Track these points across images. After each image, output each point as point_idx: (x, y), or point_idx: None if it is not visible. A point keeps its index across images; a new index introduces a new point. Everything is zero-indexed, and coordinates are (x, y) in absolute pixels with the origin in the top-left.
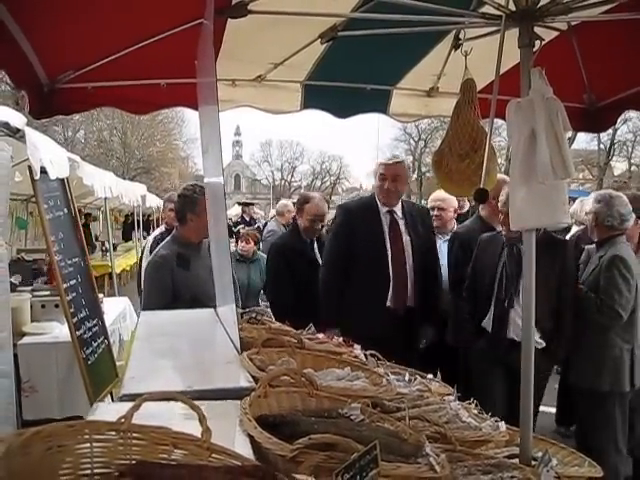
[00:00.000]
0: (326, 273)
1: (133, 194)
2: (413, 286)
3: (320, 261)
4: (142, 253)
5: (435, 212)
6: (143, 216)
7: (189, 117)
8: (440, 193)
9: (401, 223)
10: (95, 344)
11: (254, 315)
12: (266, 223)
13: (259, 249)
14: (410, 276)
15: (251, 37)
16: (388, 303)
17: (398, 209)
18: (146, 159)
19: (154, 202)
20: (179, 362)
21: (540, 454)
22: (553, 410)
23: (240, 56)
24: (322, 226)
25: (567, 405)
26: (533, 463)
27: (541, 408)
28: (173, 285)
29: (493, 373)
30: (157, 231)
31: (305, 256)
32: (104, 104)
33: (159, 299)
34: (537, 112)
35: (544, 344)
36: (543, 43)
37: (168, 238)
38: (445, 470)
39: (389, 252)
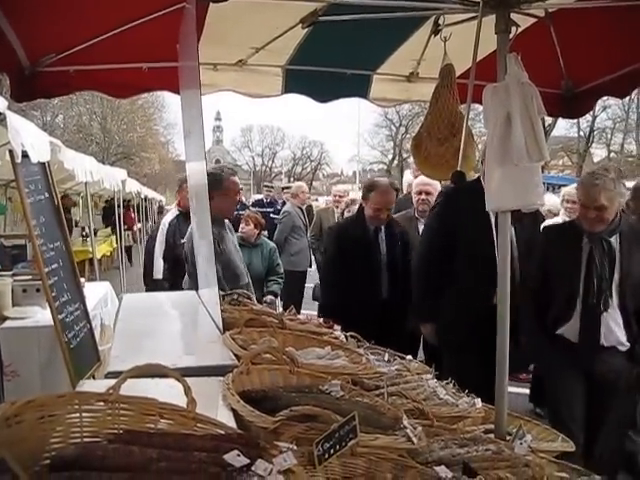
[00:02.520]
0: (423, 265)
1: (114, 179)
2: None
3: (384, 252)
4: (155, 239)
5: (422, 196)
6: (123, 201)
7: (169, 102)
8: (426, 177)
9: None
10: (77, 328)
11: (236, 297)
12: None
13: (264, 234)
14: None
15: (233, 22)
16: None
17: None
18: (126, 144)
19: (134, 187)
20: (162, 342)
21: (515, 430)
22: (527, 391)
23: (222, 40)
24: (389, 215)
25: (541, 385)
26: (508, 438)
27: (515, 389)
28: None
29: (568, 380)
30: (170, 216)
31: (364, 244)
32: (86, 88)
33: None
34: (512, 96)
35: (628, 346)
36: (521, 30)
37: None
38: (422, 442)
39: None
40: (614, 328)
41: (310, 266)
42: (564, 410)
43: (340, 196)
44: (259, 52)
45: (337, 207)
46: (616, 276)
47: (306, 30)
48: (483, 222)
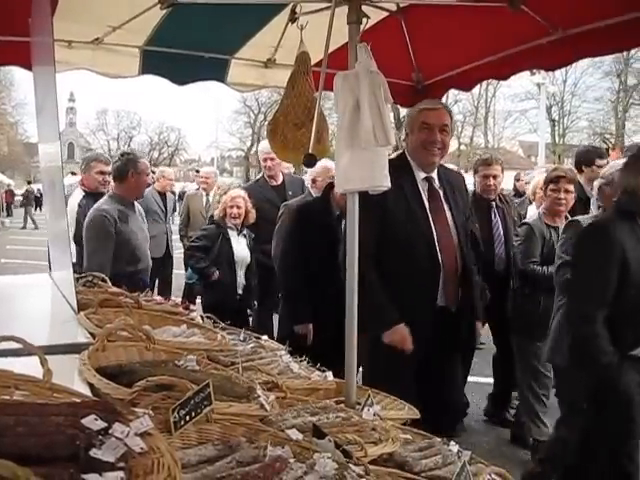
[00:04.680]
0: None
1: None
2: (462, 276)
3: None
4: None
5: None
6: None
7: (19, 80)
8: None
9: (441, 193)
10: None
11: (90, 279)
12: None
13: None
14: (459, 264)
15: None
16: (439, 300)
17: (434, 175)
18: None
19: None
20: (14, 323)
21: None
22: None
23: (77, 17)
24: None
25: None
26: (357, 407)
27: (477, 379)
28: (115, 238)
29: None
30: (77, 197)
31: (329, 232)
32: None
33: (104, 251)
34: (362, 84)
35: None
36: (374, 22)
37: (105, 197)
38: (275, 409)
39: (435, 233)
40: None
41: (168, 252)
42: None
43: (207, 177)
44: (116, 31)
45: (205, 190)
46: None
47: (165, 11)
48: (415, 206)
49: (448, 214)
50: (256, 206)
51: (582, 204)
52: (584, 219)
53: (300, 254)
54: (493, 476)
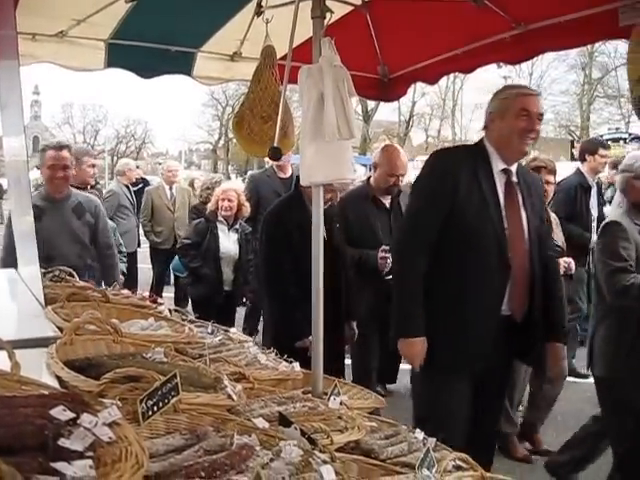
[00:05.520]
0: (406, 260)
1: None
2: (532, 283)
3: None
4: None
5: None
6: None
7: None
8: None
9: (518, 190)
10: None
11: (57, 273)
12: None
13: None
14: (529, 270)
15: None
16: (504, 308)
17: (513, 169)
18: None
19: None
20: None
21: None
22: None
23: (41, 10)
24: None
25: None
26: (324, 397)
27: None
28: None
29: None
30: None
31: (306, 229)
32: None
33: (5, 250)
34: (325, 78)
35: None
36: (340, 16)
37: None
38: (242, 400)
39: (507, 231)
40: None
41: (139, 246)
42: None
43: (170, 171)
44: (80, 24)
45: (169, 185)
46: None
47: (130, 4)
48: (489, 199)
49: (523, 213)
50: (261, 196)
51: (584, 191)
52: (621, 218)
53: (281, 257)
54: (457, 462)
